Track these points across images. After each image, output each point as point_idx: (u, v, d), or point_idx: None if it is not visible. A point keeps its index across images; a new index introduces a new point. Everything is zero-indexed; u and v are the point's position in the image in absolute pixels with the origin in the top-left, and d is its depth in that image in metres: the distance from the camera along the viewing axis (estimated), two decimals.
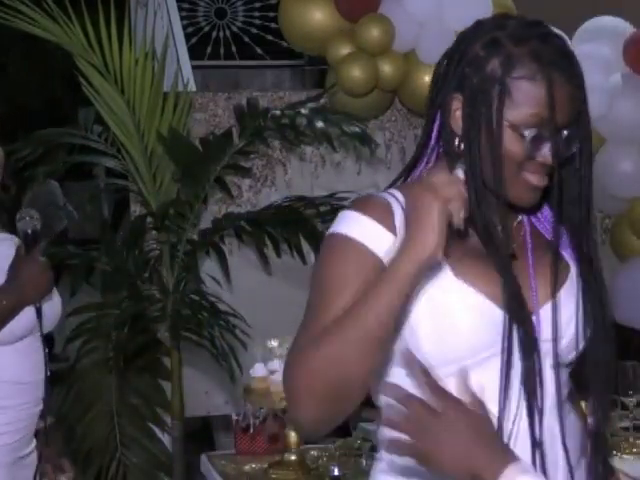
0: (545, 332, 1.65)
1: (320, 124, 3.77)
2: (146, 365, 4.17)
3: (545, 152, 1.58)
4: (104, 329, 3.70)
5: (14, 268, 2.54)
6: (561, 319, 1.66)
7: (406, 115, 4.74)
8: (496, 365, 1.60)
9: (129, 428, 4.12)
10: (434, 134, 1.67)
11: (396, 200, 1.65)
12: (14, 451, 2.57)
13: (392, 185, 1.72)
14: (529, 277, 1.66)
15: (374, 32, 4.36)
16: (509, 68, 1.57)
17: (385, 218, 1.62)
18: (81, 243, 4.53)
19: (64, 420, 4.11)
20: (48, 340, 2.68)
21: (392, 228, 1.61)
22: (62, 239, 7.56)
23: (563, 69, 1.59)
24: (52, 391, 2.73)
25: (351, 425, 3.11)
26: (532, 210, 1.72)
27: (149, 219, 3.96)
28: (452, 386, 1.49)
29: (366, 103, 4.51)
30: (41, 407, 2.62)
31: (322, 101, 4.30)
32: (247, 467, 3.20)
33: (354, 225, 1.63)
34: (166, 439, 4.15)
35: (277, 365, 3.09)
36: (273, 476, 3.08)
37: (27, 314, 2.54)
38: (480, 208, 1.60)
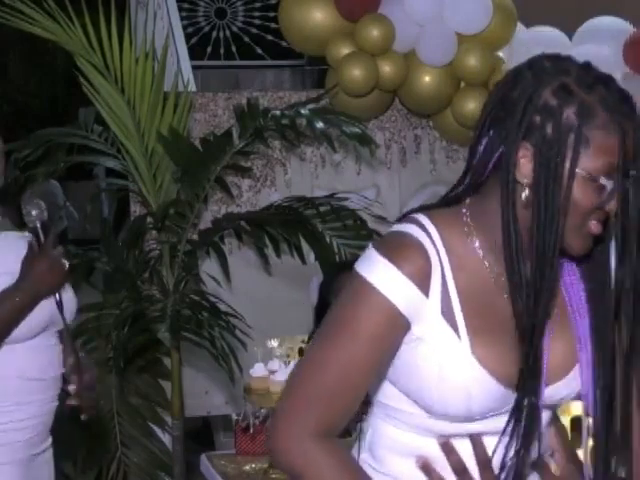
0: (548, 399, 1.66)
1: (320, 124, 3.77)
2: (146, 365, 4.17)
3: (613, 200, 1.58)
4: (104, 329, 3.70)
5: (27, 264, 2.51)
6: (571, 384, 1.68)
7: (406, 115, 4.74)
8: (494, 419, 1.63)
9: (129, 428, 4.12)
10: (478, 174, 1.63)
11: (433, 245, 1.60)
12: (29, 448, 2.56)
13: (428, 208, 1.68)
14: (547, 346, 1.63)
15: (374, 32, 4.36)
16: (585, 118, 1.55)
17: (422, 278, 1.58)
18: (81, 243, 4.53)
19: (64, 420, 4.12)
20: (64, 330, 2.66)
21: (426, 289, 1.59)
22: (62, 239, 7.56)
23: (630, 116, 1.60)
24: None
25: (350, 425, 3.11)
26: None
27: (149, 219, 3.96)
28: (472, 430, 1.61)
29: (366, 103, 4.51)
30: (57, 404, 2.61)
31: (322, 101, 4.30)
32: (247, 467, 3.20)
33: (387, 281, 1.58)
34: (166, 439, 4.15)
35: (277, 365, 3.09)
36: (273, 476, 3.08)
37: (42, 309, 2.53)
38: (544, 271, 1.57)
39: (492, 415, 1.63)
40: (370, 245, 1.63)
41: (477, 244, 1.63)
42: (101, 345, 3.89)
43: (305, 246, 3.96)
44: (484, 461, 1.64)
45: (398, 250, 1.59)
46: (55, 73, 10.92)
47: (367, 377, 1.61)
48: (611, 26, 4.74)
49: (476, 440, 1.64)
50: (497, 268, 1.62)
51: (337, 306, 1.63)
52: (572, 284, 1.68)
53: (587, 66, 1.62)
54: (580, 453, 1.78)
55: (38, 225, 2.54)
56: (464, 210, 1.64)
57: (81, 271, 3.81)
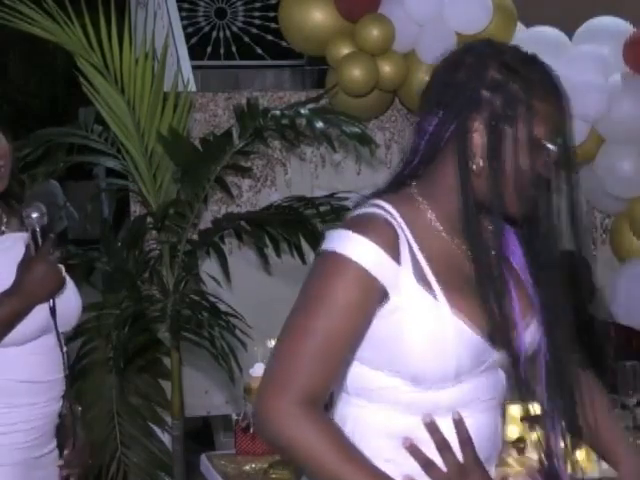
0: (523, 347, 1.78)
1: (320, 124, 3.77)
2: (146, 365, 4.17)
3: (552, 168, 1.74)
4: (104, 329, 3.70)
5: (23, 268, 2.49)
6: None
7: (406, 115, 4.74)
8: (472, 383, 1.75)
9: (129, 428, 4.12)
10: (425, 147, 1.76)
11: (395, 221, 1.72)
12: (29, 450, 2.54)
13: (379, 195, 1.80)
14: (512, 299, 1.76)
15: (374, 32, 4.36)
16: (529, 90, 1.70)
17: (391, 246, 1.69)
18: (81, 243, 4.53)
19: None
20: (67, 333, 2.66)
21: (397, 257, 1.69)
22: (62, 239, 7.56)
23: (558, 87, 1.75)
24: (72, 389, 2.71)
25: None
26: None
27: (149, 219, 3.96)
28: (447, 397, 1.71)
29: (366, 103, 4.51)
30: (59, 406, 2.60)
31: (322, 101, 4.30)
32: (247, 467, 3.19)
33: (358, 248, 1.67)
34: (166, 439, 4.15)
35: None
36: (273, 476, 3.08)
37: (39, 313, 2.51)
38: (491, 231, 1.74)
39: (471, 377, 1.73)
40: (333, 231, 1.74)
41: (434, 217, 1.76)
42: (101, 345, 3.89)
43: (305, 246, 3.96)
44: (465, 439, 1.72)
45: (364, 224, 1.71)
46: (55, 73, 10.91)
47: (347, 345, 1.68)
48: (611, 26, 4.74)
49: (458, 420, 1.72)
50: (455, 237, 1.75)
51: (311, 281, 1.70)
52: (514, 250, 1.82)
53: (516, 47, 1.78)
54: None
55: (37, 229, 2.52)
56: (414, 191, 1.78)
57: (81, 271, 3.80)
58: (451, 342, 1.68)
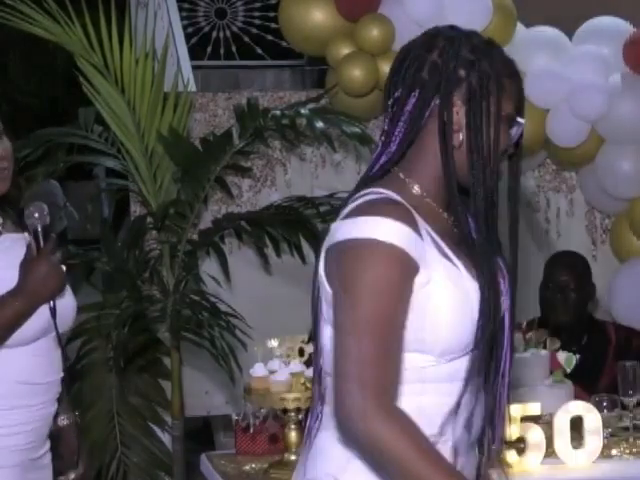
0: None
1: (320, 124, 3.77)
2: (146, 365, 4.17)
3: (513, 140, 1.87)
4: (104, 329, 3.71)
5: (25, 268, 2.48)
6: None
7: None
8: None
9: (129, 428, 4.12)
10: (405, 128, 1.82)
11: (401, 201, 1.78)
12: (27, 452, 2.54)
13: (367, 185, 1.83)
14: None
15: (374, 32, 4.36)
16: (497, 69, 1.82)
17: (412, 222, 1.74)
18: (81, 243, 4.53)
19: None
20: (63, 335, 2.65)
21: (419, 232, 1.74)
22: (62, 239, 7.56)
23: (519, 72, 1.88)
24: (69, 391, 2.71)
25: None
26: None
27: (149, 219, 3.96)
28: (463, 367, 1.76)
29: (366, 103, 4.51)
30: (55, 408, 2.60)
31: (322, 101, 4.30)
32: (247, 467, 3.19)
33: (390, 230, 1.70)
34: (166, 439, 4.15)
35: (277, 365, 3.09)
36: (273, 476, 3.08)
37: (39, 315, 2.50)
38: (486, 205, 1.81)
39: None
40: (345, 221, 1.74)
41: (425, 195, 1.82)
42: (101, 345, 3.90)
43: (305, 246, 3.97)
44: None
45: (383, 207, 1.74)
46: (55, 73, 10.90)
47: (403, 331, 1.70)
48: (611, 26, 4.73)
49: None
50: (442, 209, 1.84)
51: (354, 272, 1.69)
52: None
53: (475, 32, 1.89)
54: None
55: (39, 228, 2.51)
56: (399, 173, 1.84)
57: (81, 271, 3.80)
58: (474, 310, 1.75)
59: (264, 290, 4.47)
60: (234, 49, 7.30)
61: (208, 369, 4.11)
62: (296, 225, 3.93)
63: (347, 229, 1.73)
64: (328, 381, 1.79)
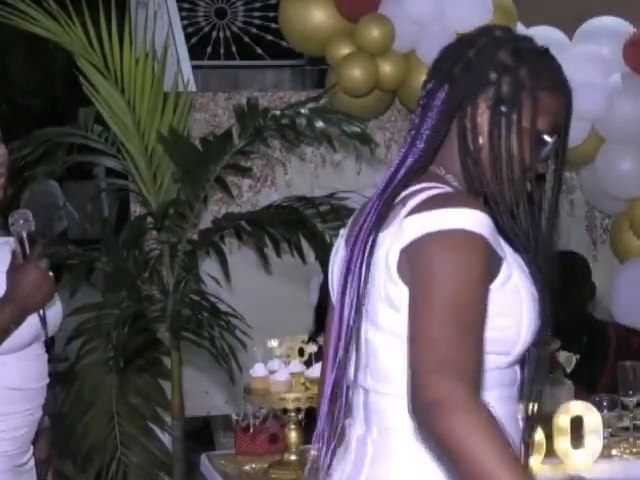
0: None
1: (320, 124, 3.76)
2: (146, 365, 4.17)
3: (546, 162, 1.76)
4: (104, 329, 3.70)
5: (13, 275, 2.46)
6: None
7: (406, 115, 4.74)
8: None
9: (129, 428, 4.12)
10: (430, 131, 1.74)
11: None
12: (15, 458, 2.53)
13: (415, 181, 1.73)
14: None
15: (374, 32, 4.36)
16: (536, 79, 1.71)
17: (487, 214, 1.67)
18: (81, 243, 4.53)
19: (64, 420, 4.12)
20: (48, 340, 2.66)
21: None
22: (62, 239, 7.56)
23: (567, 83, 1.76)
24: (52, 396, 2.70)
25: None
26: None
27: (149, 219, 3.96)
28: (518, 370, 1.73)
29: (366, 103, 4.51)
30: (41, 414, 2.60)
31: (322, 101, 4.30)
32: (247, 467, 3.19)
33: (477, 222, 1.63)
34: (166, 439, 4.15)
35: (277, 365, 3.09)
36: (273, 476, 3.08)
37: (30, 322, 2.48)
38: (519, 215, 1.74)
39: None
40: (418, 216, 1.64)
41: (460, 187, 1.75)
42: (101, 345, 3.89)
43: (305, 246, 3.96)
44: None
45: (458, 198, 1.67)
46: (55, 73, 10.90)
47: (485, 322, 1.62)
48: (611, 26, 4.73)
49: None
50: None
51: (442, 260, 1.60)
52: None
53: (531, 38, 1.79)
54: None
55: (24, 235, 2.50)
56: (439, 171, 1.75)
57: (81, 271, 3.80)
58: (534, 300, 1.70)
59: (264, 290, 4.47)
60: (234, 49, 7.30)
61: (208, 369, 4.11)
62: (296, 225, 3.93)
63: (427, 223, 1.62)
64: (373, 398, 1.70)
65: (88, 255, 3.94)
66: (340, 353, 1.72)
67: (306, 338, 3.17)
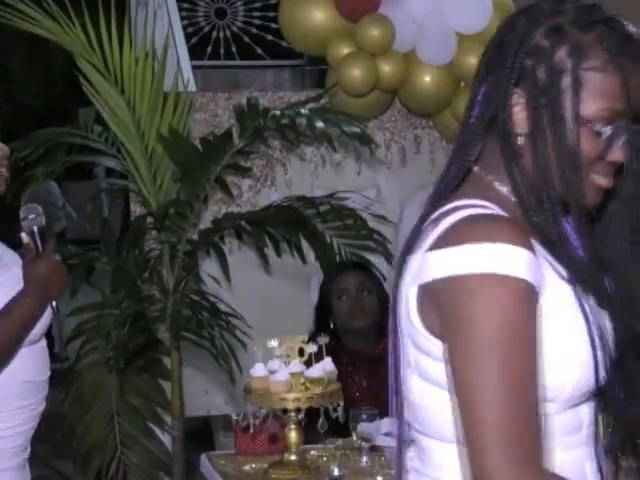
0: None
1: (320, 124, 3.77)
2: (146, 365, 4.17)
3: (618, 150, 1.45)
4: (104, 329, 3.70)
5: (31, 268, 2.50)
6: None
7: (406, 115, 4.74)
8: None
9: (129, 428, 4.12)
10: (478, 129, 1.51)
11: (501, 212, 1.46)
12: (23, 452, 2.56)
13: (449, 195, 1.50)
14: None
15: (374, 32, 4.36)
16: (579, 58, 1.43)
17: (524, 238, 1.39)
18: (81, 243, 4.53)
19: (64, 420, 4.12)
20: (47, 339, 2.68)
21: (531, 247, 1.40)
22: (61, 239, 7.56)
23: (634, 56, 1.46)
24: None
25: (351, 425, 3.11)
26: None
27: (149, 219, 3.96)
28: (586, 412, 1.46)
29: (366, 103, 4.51)
30: (44, 407, 2.62)
31: (322, 101, 4.30)
32: (247, 467, 3.19)
33: (510, 260, 1.36)
34: (166, 439, 4.15)
35: (277, 365, 3.09)
36: (273, 476, 3.08)
37: (46, 313, 2.53)
38: (557, 222, 1.45)
39: None
40: (444, 251, 1.39)
41: (506, 190, 1.49)
42: (101, 345, 3.89)
43: (305, 246, 3.96)
44: None
45: (487, 227, 1.39)
46: (55, 73, 10.91)
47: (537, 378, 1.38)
48: None
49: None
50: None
51: (466, 323, 1.35)
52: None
53: (590, 7, 1.50)
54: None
55: (35, 229, 2.54)
56: (483, 175, 1.51)
57: (81, 271, 3.81)
58: (590, 334, 1.42)
59: (264, 290, 4.47)
60: (234, 49, 7.30)
61: (208, 369, 4.11)
62: (296, 225, 3.93)
63: (450, 262, 1.38)
64: (422, 442, 1.51)
65: (88, 255, 3.94)
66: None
67: (306, 338, 3.17)
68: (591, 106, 1.43)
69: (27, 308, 2.47)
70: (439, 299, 1.39)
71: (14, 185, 3.23)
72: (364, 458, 3.07)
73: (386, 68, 4.43)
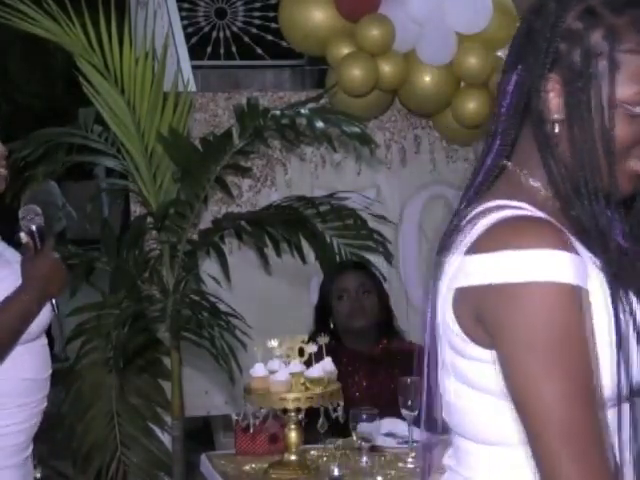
0: None
1: (320, 124, 3.77)
2: (146, 365, 4.17)
3: None
4: (104, 329, 3.71)
5: (30, 266, 2.52)
6: None
7: (406, 115, 4.74)
8: None
9: (129, 428, 4.12)
10: (509, 118, 1.47)
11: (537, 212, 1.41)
12: (25, 450, 2.57)
13: (481, 195, 1.46)
14: None
15: (374, 32, 4.36)
16: (615, 41, 1.39)
17: (565, 239, 1.35)
18: (81, 243, 4.53)
19: (64, 420, 4.12)
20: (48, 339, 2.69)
21: (573, 247, 1.36)
22: (61, 239, 7.56)
23: None
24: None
25: (351, 425, 3.12)
26: None
27: (149, 219, 3.96)
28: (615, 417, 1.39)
29: (366, 103, 4.51)
30: (46, 404, 2.63)
31: (322, 101, 4.30)
32: (247, 467, 3.19)
33: (557, 265, 1.31)
34: (166, 439, 4.15)
35: (277, 365, 3.09)
36: (273, 476, 3.08)
37: (45, 311, 2.54)
38: (595, 212, 1.40)
39: None
40: (480, 257, 1.35)
41: (540, 185, 1.45)
42: (101, 345, 3.89)
43: (305, 246, 3.96)
44: None
45: (525, 231, 1.34)
46: (55, 73, 10.91)
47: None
48: None
49: None
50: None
51: (515, 337, 1.31)
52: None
53: None
54: None
55: (34, 229, 2.56)
56: (518, 171, 1.47)
57: (81, 271, 3.81)
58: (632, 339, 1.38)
59: (264, 290, 4.47)
60: (234, 49, 7.31)
61: (208, 369, 4.11)
62: (296, 225, 3.93)
63: (488, 269, 1.33)
64: (457, 441, 1.48)
65: (88, 255, 3.95)
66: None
67: (306, 338, 3.17)
68: (627, 89, 1.39)
69: (24, 304, 2.48)
70: (481, 305, 1.35)
71: (14, 185, 3.23)
72: (364, 458, 3.08)
73: (386, 68, 4.43)
